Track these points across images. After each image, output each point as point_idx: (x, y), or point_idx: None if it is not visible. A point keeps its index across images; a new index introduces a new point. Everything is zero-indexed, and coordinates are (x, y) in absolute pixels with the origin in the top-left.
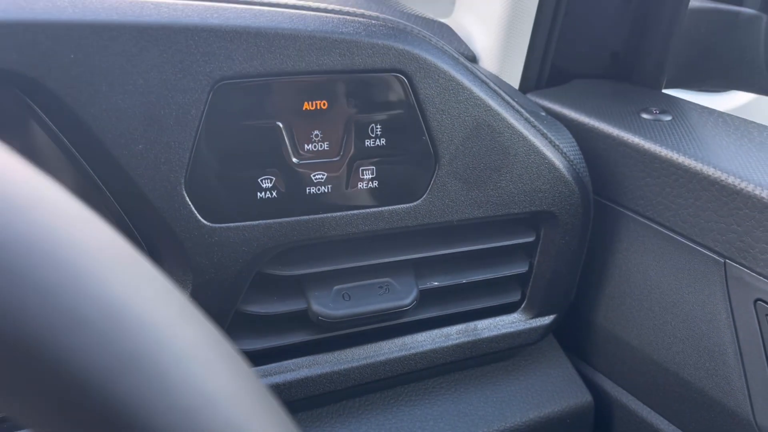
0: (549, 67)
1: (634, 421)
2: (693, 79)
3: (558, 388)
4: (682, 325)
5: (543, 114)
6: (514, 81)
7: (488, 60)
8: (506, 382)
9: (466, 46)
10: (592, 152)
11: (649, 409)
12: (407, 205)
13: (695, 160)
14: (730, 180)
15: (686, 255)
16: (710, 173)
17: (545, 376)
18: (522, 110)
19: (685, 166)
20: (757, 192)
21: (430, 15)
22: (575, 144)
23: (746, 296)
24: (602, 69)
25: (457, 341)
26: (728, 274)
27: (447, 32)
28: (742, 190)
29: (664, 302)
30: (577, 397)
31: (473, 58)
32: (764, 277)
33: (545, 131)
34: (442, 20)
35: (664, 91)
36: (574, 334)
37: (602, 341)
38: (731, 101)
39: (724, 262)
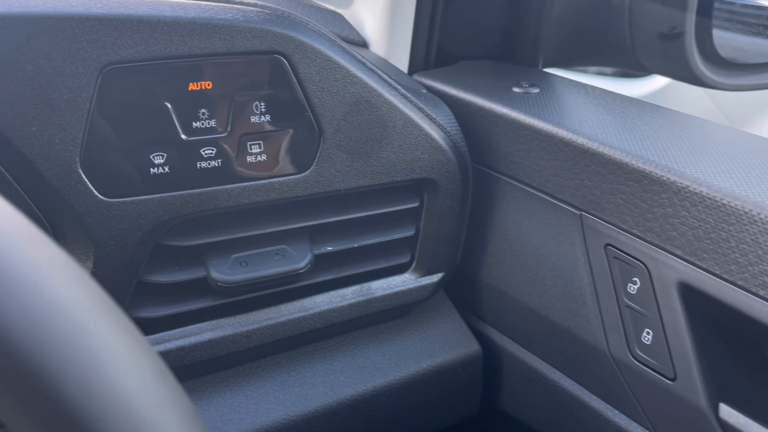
0: (435, 50)
1: (517, 364)
2: (570, 57)
3: (449, 340)
4: (550, 274)
5: (423, 91)
6: (403, 64)
7: (377, 45)
8: (401, 337)
9: (357, 32)
10: (468, 124)
11: (529, 352)
12: (296, 176)
13: (553, 125)
14: (580, 141)
15: (551, 210)
16: (564, 135)
17: (437, 330)
18: (399, 87)
19: (544, 131)
20: (600, 149)
21: (330, 6)
22: (452, 117)
23: (598, 242)
24: (486, 50)
25: (353, 301)
26: (584, 225)
27: (338, 20)
28: (589, 149)
29: (535, 255)
30: (467, 347)
31: (364, 44)
32: (611, 224)
33: (422, 106)
34: (341, 10)
35: (550, 70)
36: (463, 290)
37: (487, 295)
38: (651, 85)
39: (580, 214)
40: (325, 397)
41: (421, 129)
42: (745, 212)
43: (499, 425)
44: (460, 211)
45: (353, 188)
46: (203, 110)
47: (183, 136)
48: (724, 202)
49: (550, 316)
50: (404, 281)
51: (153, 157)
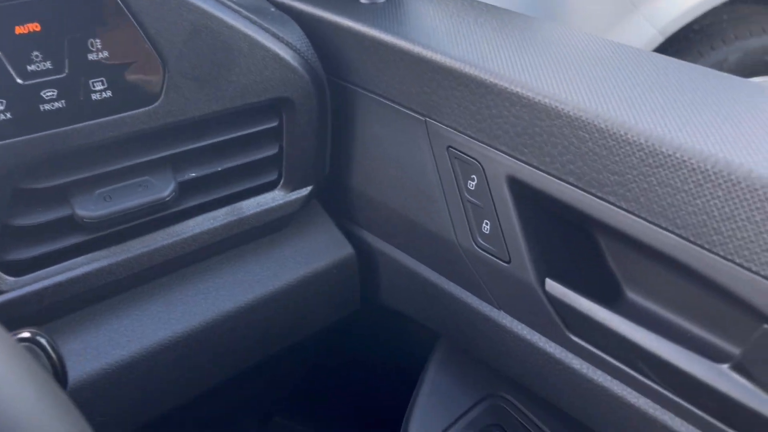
0: None
1: (387, 261)
2: None
3: (324, 247)
4: (405, 176)
5: (272, 10)
6: None
7: None
8: (279, 249)
9: None
10: (320, 39)
11: (397, 249)
12: (146, 108)
13: (393, 35)
14: (417, 49)
15: (400, 117)
16: (403, 45)
17: (312, 239)
18: (241, 10)
19: (386, 41)
20: (434, 57)
21: None
22: (302, 34)
23: (441, 145)
24: None
25: (224, 221)
26: (428, 129)
27: None
28: (425, 57)
29: (391, 160)
30: (340, 251)
31: None
32: (450, 128)
33: (268, 26)
34: None
35: None
36: (335, 198)
37: (357, 200)
38: None
39: (425, 120)
40: (208, 312)
41: (268, 50)
42: (553, 108)
43: (381, 316)
44: (319, 125)
45: (207, 114)
46: (36, 53)
47: (19, 81)
48: (535, 100)
49: (409, 214)
50: (274, 198)
51: None
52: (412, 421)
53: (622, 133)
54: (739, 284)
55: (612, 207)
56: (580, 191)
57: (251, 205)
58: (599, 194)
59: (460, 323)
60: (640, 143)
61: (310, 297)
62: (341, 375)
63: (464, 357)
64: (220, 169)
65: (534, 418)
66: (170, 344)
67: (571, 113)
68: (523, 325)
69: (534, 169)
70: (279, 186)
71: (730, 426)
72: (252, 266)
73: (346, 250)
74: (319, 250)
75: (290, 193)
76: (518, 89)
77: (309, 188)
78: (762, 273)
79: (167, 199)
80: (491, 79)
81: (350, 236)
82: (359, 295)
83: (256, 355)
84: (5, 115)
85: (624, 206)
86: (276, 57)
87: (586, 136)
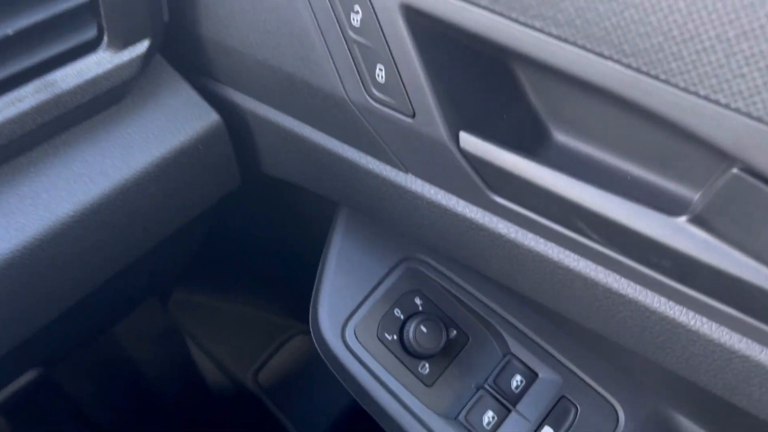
0: None
1: (264, 124)
2: None
3: (181, 117)
4: (270, 17)
5: None
6: None
7: None
8: (121, 127)
9: None
10: None
11: (273, 110)
12: None
13: None
14: None
15: None
16: None
17: (164, 108)
18: None
19: None
20: None
21: None
22: None
23: None
24: None
25: (35, 102)
26: None
27: None
28: None
29: None
30: (203, 118)
31: None
32: None
33: None
34: None
35: None
36: (188, 54)
37: (214, 53)
38: None
39: None
40: (42, 220)
41: None
42: None
43: (273, 185)
44: None
45: None
46: None
47: None
48: None
49: (283, 66)
50: (98, 62)
51: None
52: (322, 295)
53: None
54: (703, 121)
55: (538, 34)
56: (496, 16)
57: (68, 76)
58: (521, 19)
59: (362, 191)
60: None
61: (174, 181)
62: (242, 249)
63: (372, 223)
64: (10, 33)
65: (457, 279)
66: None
67: None
68: (437, 188)
69: None
70: (102, 45)
71: (688, 285)
72: (90, 154)
73: (209, 117)
74: (176, 123)
75: (119, 53)
76: None
77: (145, 43)
78: (732, 106)
79: None
80: None
81: (213, 99)
82: (237, 169)
83: (121, 259)
84: None
85: (554, 32)
86: None
87: None
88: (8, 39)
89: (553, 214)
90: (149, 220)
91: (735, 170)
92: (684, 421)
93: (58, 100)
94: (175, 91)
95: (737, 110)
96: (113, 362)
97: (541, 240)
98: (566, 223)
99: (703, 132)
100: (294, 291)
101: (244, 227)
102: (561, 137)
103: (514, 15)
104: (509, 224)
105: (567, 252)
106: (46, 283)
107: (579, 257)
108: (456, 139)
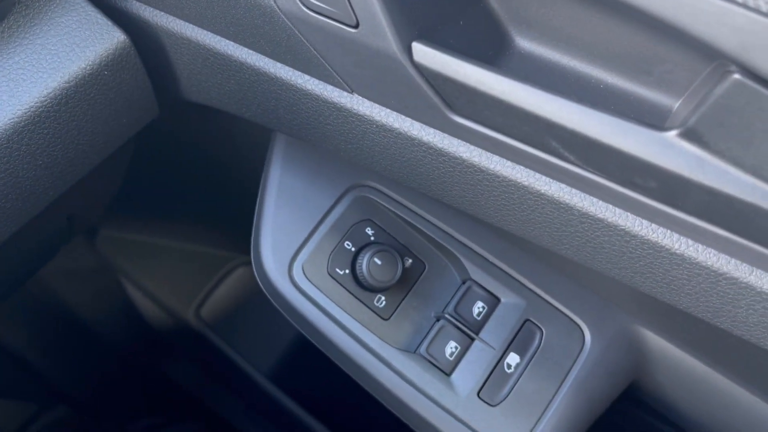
0: None
1: (179, 42)
2: None
3: (78, 38)
4: None
5: None
6: None
7: None
8: (5, 55)
9: None
10: None
11: (190, 25)
12: None
13: None
14: None
15: None
16: None
17: (57, 27)
18: None
19: None
20: None
21: None
22: None
23: None
24: None
25: None
26: None
27: None
28: None
29: None
30: (107, 40)
31: None
32: None
33: None
34: None
35: None
36: None
37: None
38: None
39: None
40: None
41: None
42: None
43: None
44: None
45: None
46: None
47: None
48: None
49: None
50: None
51: None
52: (264, 232)
53: None
54: (701, 19)
55: None
56: None
57: None
58: None
59: (299, 116)
60: None
61: (79, 115)
62: (171, 181)
63: (313, 150)
64: None
65: (410, 204)
66: None
67: None
68: (388, 110)
69: None
70: None
71: (674, 206)
72: None
73: (114, 37)
74: (73, 46)
75: None
76: None
77: None
78: (738, 0)
79: None
80: None
81: (117, 15)
82: (153, 96)
83: (29, 207)
84: None
85: None
86: None
87: None
88: None
89: (521, 134)
90: (54, 162)
91: (736, 76)
92: (650, 335)
93: None
94: (70, 7)
95: (744, 5)
96: (45, 306)
97: (509, 163)
98: (537, 143)
99: (698, 31)
100: (231, 222)
101: (172, 158)
102: (524, 43)
103: None
104: (471, 147)
105: (538, 175)
106: None
107: (551, 180)
108: (408, 51)
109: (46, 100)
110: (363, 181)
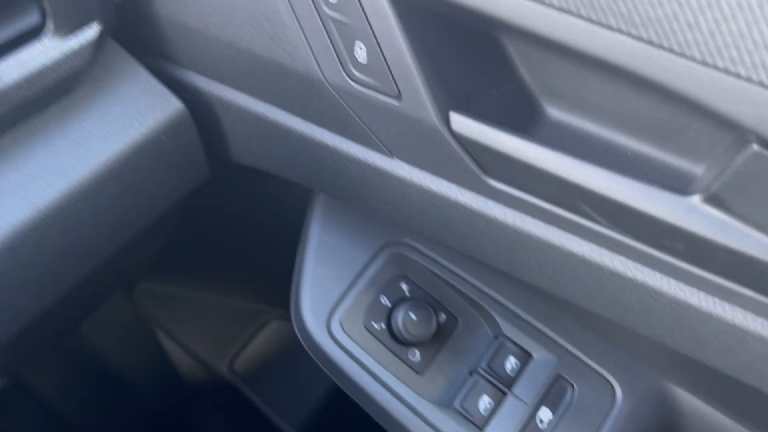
0: None
1: (232, 109)
2: None
3: (139, 107)
4: None
5: None
6: None
7: None
8: (75, 122)
9: None
10: None
11: (242, 93)
12: None
13: None
14: None
15: None
16: None
17: (121, 96)
18: None
19: None
20: None
21: None
22: None
23: None
24: None
25: None
26: None
27: None
28: None
29: None
30: (165, 107)
31: None
32: None
33: None
34: None
35: None
36: (144, 36)
37: (173, 34)
38: None
39: None
40: None
41: None
42: None
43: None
44: None
45: None
46: None
47: None
48: None
49: (251, 47)
50: (44, 51)
51: None
52: (303, 287)
53: None
54: (721, 95)
55: (536, 5)
56: None
57: (11, 68)
58: None
59: (341, 178)
60: None
61: (138, 177)
62: (209, 236)
63: (350, 208)
64: None
65: (443, 261)
66: None
67: None
68: (426, 173)
69: None
70: (47, 32)
71: (700, 266)
72: (42, 153)
73: (172, 104)
74: (135, 113)
75: (66, 40)
76: None
77: (96, 28)
78: (755, 79)
79: None
80: None
81: (174, 84)
82: (205, 160)
83: (84, 264)
84: None
85: (555, 3)
86: None
87: None
88: None
89: (553, 197)
90: (113, 221)
91: (755, 147)
92: (681, 392)
93: (1, 97)
94: (132, 78)
95: (760, 83)
96: (81, 358)
97: (541, 224)
98: (568, 206)
99: (720, 107)
100: (266, 276)
101: (211, 213)
102: (555, 113)
103: None
104: (506, 208)
105: (570, 236)
106: (2, 296)
107: (582, 240)
108: (446, 121)
109: (110, 162)
110: (398, 238)
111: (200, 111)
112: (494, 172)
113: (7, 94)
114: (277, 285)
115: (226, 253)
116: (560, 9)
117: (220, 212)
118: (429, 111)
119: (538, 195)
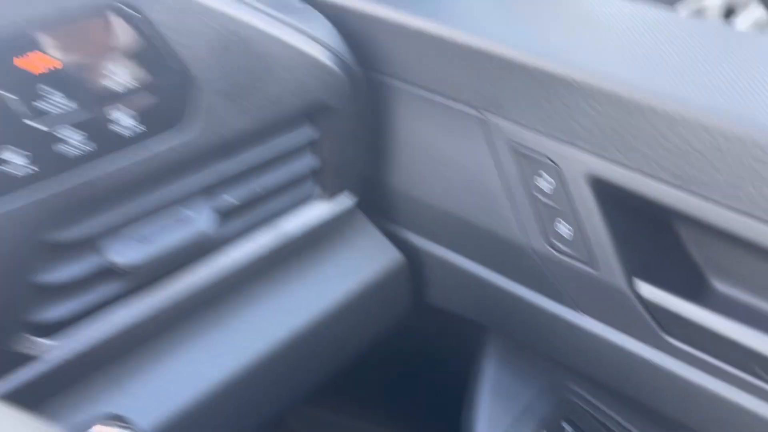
0: None
1: (441, 264)
2: None
3: (370, 256)
4: (459, 176)
5: (298, 4)
6: None
7: None
8: (321, 265)
9: None
10: (353, 31)
11: (451, 251)
12: (179, 137)
13: (443, 25)
14: (474, 41)
15: (452, 113)
16: (458, 37)
17: (356, 249)
18: (270, 11)
19: (435, 33)
20: (496, 49)
21: None
22: (333, 29)
23: (503, 141)
24: None
25: (269, 245)
26: (485, 125)
27: None
28: (485, 49)
29: (442, 159)
30: (388, 258)
31: None
32: (514, 122)
33: (299, 25)
34: None
35: None
36: (377, 201)
37: (402, 203)
38: None
39: (481, 114)
40: (258, 343)
41: (302, 53)
42: (648, 106)
43: (434, 318)
44: (361, 127)
45: (241, 131)
46: (46, 88)
47: (39, 126)
48: (628, 96)
49: (466, 216)
50: (320, 215)
51: (7, 156)
52: (478, 418)
53: (733, 130)
54: None
55: (717, 207)
56: (670, 187)
57: (295, 224)
58: (693, 189)
59: (533, 326)
60: (753, 140)
61: (360, 312)
62: (373, 367)
63: (519, 349)
64: (259, 190)
65: (608, 410)
66: (225, 384)
67: (672, 111)
68: (611, 328)
69: (620, 167)
70: (322, 199)
71: None
72: (296, 288)
73: (394, 256)
74: (365, 261)
75: (334, 206)
76: (605, 84)
77: (354, 199)
78: None
79: (208, 230)
80: (569, 73)
81: (396, 240)
82: (411, 301)
83: (312, 380)
84: (28, 167)
85: (735, 206)
86: (312, 60)
87: (690, 135)
88: (253, 195)
89: (728, 358)
90: (333, 346)
91: None
92: None
93: (286, 244)
94: (365, 234)
95: None
96: None
97: (713, 379)
98: (741, 367)
99: None
100: (426, 409)
101: (384, 347)
102: (720, 286)
103: (683, 184)
104: (682, 363)
105: (743, 394)
106: (247, 403)
107: (751, 397)
108: (632, 286)
109: (343, 299)
110: (565, 382)
111: (412, 263)
112: (672, 331)
113: (293, 244)
114: (437, 418)
115: (388, 383)
116: (742, 212)
117: (394, 345)
118: (620, 279)
119: (712, 354)
